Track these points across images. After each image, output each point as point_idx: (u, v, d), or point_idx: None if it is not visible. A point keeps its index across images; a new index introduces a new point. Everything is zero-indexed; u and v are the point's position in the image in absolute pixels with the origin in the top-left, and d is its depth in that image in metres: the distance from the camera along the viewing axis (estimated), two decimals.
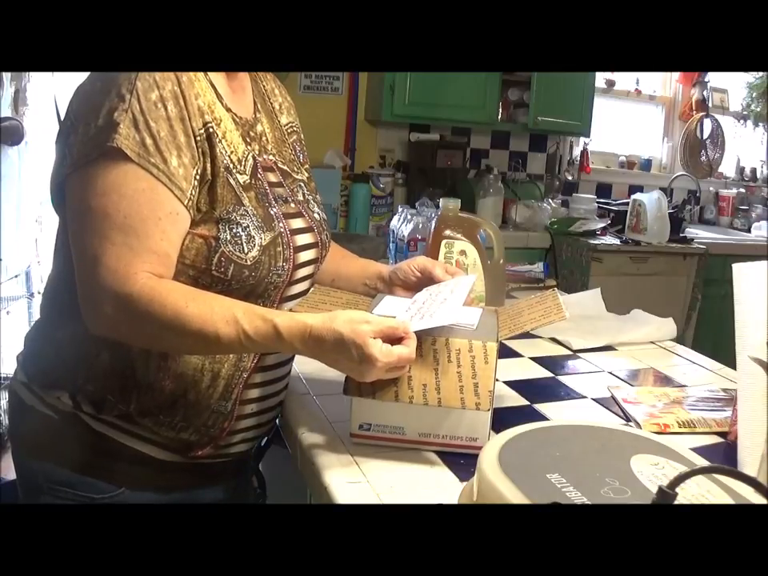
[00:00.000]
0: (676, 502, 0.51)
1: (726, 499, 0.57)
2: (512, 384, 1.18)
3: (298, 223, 0.99)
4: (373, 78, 3.27)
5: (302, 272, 1.00)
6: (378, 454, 0.90)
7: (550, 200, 3.53)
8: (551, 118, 3.35)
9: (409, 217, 1.84)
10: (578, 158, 3.83)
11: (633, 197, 3.35)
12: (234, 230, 0.89)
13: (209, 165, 0.88)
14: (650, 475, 0.60)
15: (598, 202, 3.62)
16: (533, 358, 1.33)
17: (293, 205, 1.01)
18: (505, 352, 1.32)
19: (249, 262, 0.90)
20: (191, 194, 0.86)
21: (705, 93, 4.01)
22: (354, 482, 0.83)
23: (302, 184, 1.07)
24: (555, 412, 1.08)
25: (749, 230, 3.99)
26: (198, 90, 0.89)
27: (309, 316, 0.83)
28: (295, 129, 1.12)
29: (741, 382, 0.90)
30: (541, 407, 1.10)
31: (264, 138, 1.02)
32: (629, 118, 4.05)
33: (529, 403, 1.11)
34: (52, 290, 0.99)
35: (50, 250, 0.98)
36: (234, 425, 0.98)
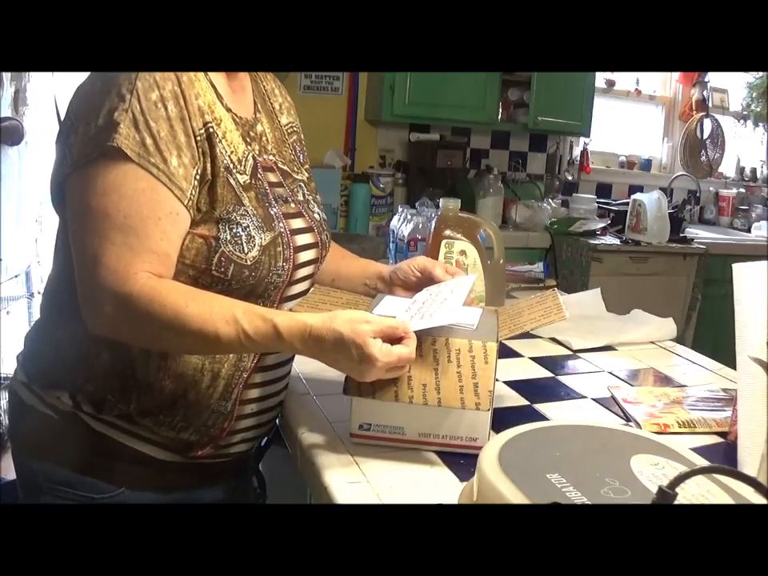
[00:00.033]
0: (676, 502, 0.51)
1: (725, 499, 0.57)
2: (512, 384, 1.18)
3: (298, 223, 0.99)
4: (373, 77, 3.27)
5: (302, 272, 1.00)
6: (377, 453, 0.90)
7: (549, 200, 3.53)
8: (551, 118, 3.35)
9: (409, 217, 1.84)
10: (578, 158, 3.83)
11: (633, 197, 3.35)
12: (234, 230, 0.89)
13: (209, 165, 0.88)
14: (650, 475, 0.60)
15: (598, 202, 3.62)
16: (533, 358, 1.33)
17: (293, 205, 1.01)
18: (505, 352, 1.32)
19: (249, 262, 0.90)
20: (191, 193, 0.86)
21: (705, 93, 4.01)
22: (354, 482, 0.83)
23: (302, 184, 1.07)
24: (555, 412, 1.08)
25: (749, 230, 3.99)
26: (198, 90, 0.89)
27: (309, 316, 0.83)
28: (295, 129, 1.12)
29: (741, 382, 0.90)
30: (541, 407, 1.10)
31: (264, 138, 1.02)
32: (629, 117, 4.05)
33: (529, 403, 1.11)
34: (52, 289, 0.99)
35: (50, 250, 0.98)
36: (234, 425, 0.98)
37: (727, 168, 4.28)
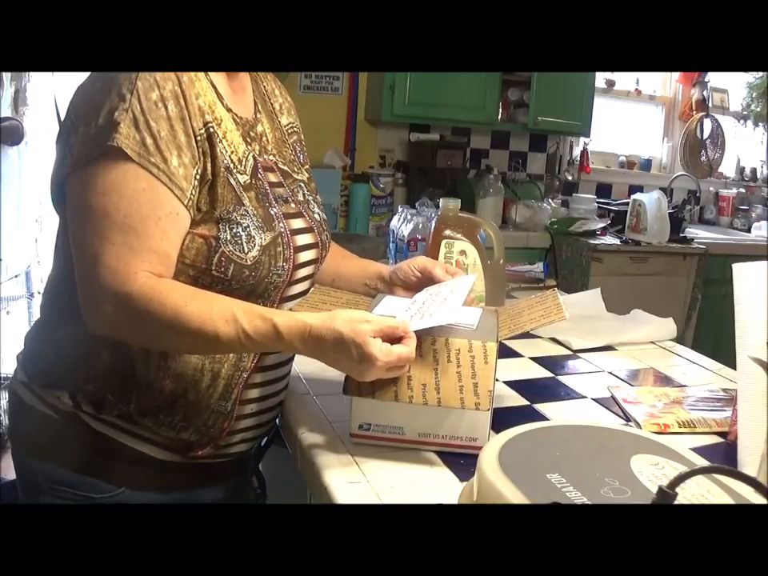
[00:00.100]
0: (676, 502, 0.51)
1: (726, 499, 0.57)
2: (512, 384, 1.18)
3: (298, 223, 0.99)
4: (373, 77, 3.27)
5: (302, 272, 1.00)
6: (377, 454, 0.90)
7: (549, 200, 3.53)
8: (551, 118, 3.35)
9: (409, 217, 1.84)
10: (578, 158, 3.83)
11: (633, 197, 3.35)
12: (234, 230, 0.89)
13: (209, 165, 0.88)
14: (650, 475, 0.60)
15: (598, 202, 3.62)
16: (533, 358, 1.33)
17: (293, 205, 1.01)
18: (505, 352, 1.32)
19: (249, 262, 0.90)
20: (191, 193, 0.86)
21: (705, 93, 4.01)
22: (354, 482, 0.83)
23: (303, 184, 1.07)
24: (555, 412, 1.08)
25: (749, 230, 3.99)
26: (198, 90, 0.89)
27: (308, 315, 0.83)
28: (295, 129, 1.13)
29: (741, 382, 0.90)
30: (541, 407, 1.10)
31: (264, 139, 1.02)
32: (629, 117, 4.05)
33: (529, 403, 1.11)
34: (52, 289, 0.99)
35: (50, 250, 0.98)
36: (234, 425, 0.98)
37: (727, 168, 4.28)
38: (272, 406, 1.03)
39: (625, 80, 3.94)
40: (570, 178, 3.81)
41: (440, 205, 1.52)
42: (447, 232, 1.49)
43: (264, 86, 1.08)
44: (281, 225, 0.95)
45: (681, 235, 3.35)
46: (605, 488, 0.57)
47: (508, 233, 3.17)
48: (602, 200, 3.71)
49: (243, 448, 1.03)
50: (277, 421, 1.08)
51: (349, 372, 0.84)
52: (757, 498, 0.54)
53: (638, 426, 1.03)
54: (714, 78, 4.06)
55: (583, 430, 0.70)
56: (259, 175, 0.96)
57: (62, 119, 0.89)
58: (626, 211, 3.34)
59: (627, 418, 1.08)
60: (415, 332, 0.84)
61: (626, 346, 1.45)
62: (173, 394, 0.92)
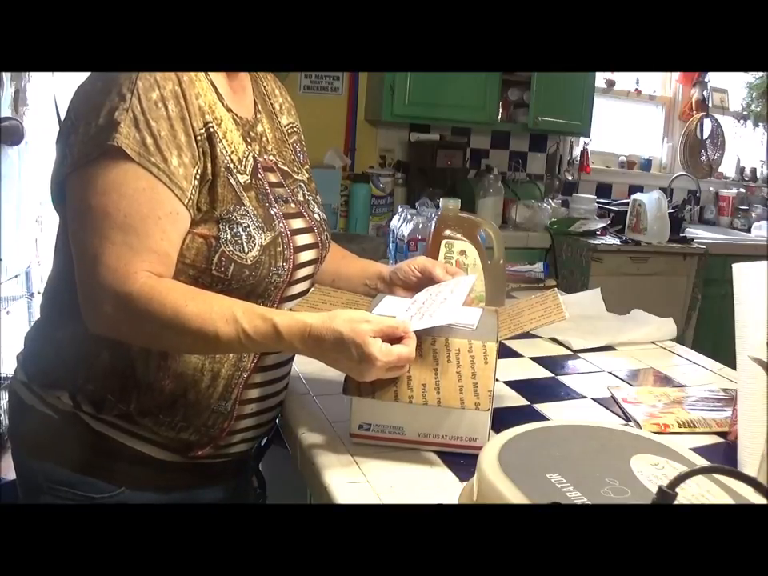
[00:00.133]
0: (676, 502, 0.51)
1: (726, 499, 0.57)
2: (512, 384, 1.18)
3: (298, 223, 0.99)
4: (373, 77, 3.27)
5: (302, 272, 1.00)
6: (377, 454, 0.90)
7: (549, 200, 3.53)
8: (551, 118, 3.35)
9: (409, 217, 1.84)
10: (578, 158, 3.83)
11: (633, 197, 3.35)
12: (235, 230, 0.89)
13: (209, 164, 0.88)
14: (650, 475, 0.60)
15: (598, 202, 3.62)
16: (533, 358, 1.33)
17: (293, 205, 1.01)
18: (505, 352, 1.32)
19: (249, 262, 0.90)
20: (191, 193, 0.86)
21: (705, 93, 4.01)
22: (354, 482, 0.83)
23: (303, 184, 1.07)
24: (555, 412, 1.08)
25: (749, 230, 3.99)
26: (198, 90, 0.89)
27: (308, 315, 0.83)
28: (295, 129, 1.13)
29: (741, 382, 0.90)
30: (541, 407, 1.10)
31: (264, 139, 1.02)
32: (629, 117, 4.05)
33: (529, 403, 1.11)
34: (52, 289, 0.99)
35: (50, 250, 0.98)
36: (234, 425, 0.98)
37: (727, 168, 4.28)
38: (272, 406, 1.03)
39: (625, 80, 3.94)
40: (570, 177, 3.81)
41: (440, 205, 1.52)
42: (447, 232, 1.49)
43: (264, 86, 1.08)
44: (281, 225, 0.95)
45: (681, 235, 3.35)
46: (605, 488, 0.57)
47: (508, 233, 3.17)
48: (601, 200, 3.71)
49: (243, 448, 1.03)
50: (277, 421, 1.08)
51: (349, 372, 0.84)
52: (757, 498, 0.54)
53: (638, 425, 1.03)
54: (714, 78, 4.06)
55: (583, 430, 0.70)
56: (259, 175, 0.96)
57: (62, 119, 0.89)
58: (626, 211, 3.34)
59: (627, 417, 1.08)
60: (415, 332, 0.84)
61: (626, 345, 1.45)
62: (173, 394, 0.92)
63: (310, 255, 1.01)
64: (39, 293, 2.55)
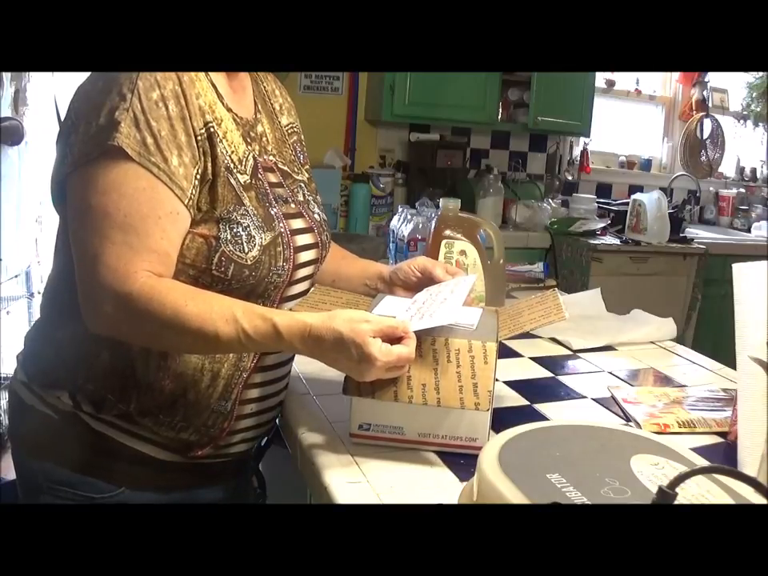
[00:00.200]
0: (676, 502, 0.51)
1: (726, 499, 0.57)
2: (512, 384, 1.18)
3: (298, 223, 0.99)
4: (373, 77, 3.27)
5: (302, 272, 1.00)
6: (377, 454, 0.90)
7: (549, 200, 3.53)
8: (551, 118, 3.35)
9: (409, 217, 1.84)
10: (578, 158, 3.83)
11: (633, 197, 3.35)
12: (235, 230, 0.89)
13: (209, 164, 0.89)
14: (650, 475, 0.60)
15: (598, 202, 3.62)
16: (533, 358, 1.33)
17: (293, 205, 1.01)
18: (505, 352, 1.32)
19: (249, 262, 0.90)
20: (191, 193, 0.86)
21: (705, 93, 4.01)
22: (354, 482, 0.83)
23: (303, 185, 1.07)
24: (555, 412, 1.08)
25: (749, 230, 3.99)
26: (198, 90, 0.89)
27: (308, 315, 0.83)
28: (295, 129, 1.13)
29: (741, 382, 0.90)
30: (541, 407, 1.10)
31: (264, 139, 1.02)
32: (629, 117, 4.05)
33: (529, 403, 1.11)
34: (52, 289, 0.99)
35: (50, 250, 0.98)
36: (234, 425, 0.98)
37: (727, 168, 4.28)
38: (272, 406, 1.03)
39: (625, 80, 3.94)
40: (570, 177, 3.81)
41: (440, 205, 1.52)
42: (447, 232, 1.49)
43: (264, 86, 1.08)
44: (281, 225, 0.95)
45: (681, 235, 3.35)
46: (605, 488, 0.57)
47: (508, 233, 3.17)
48: (601, 200, 3.71)
49: (243, 448, 1.03)
50: (277, 421, 1.08)
51: (348, 372, 0.84)
52: (757, 498, 0.54)
53: (638, 425, 1.03)
54: (714, 78, 4.06)
55: (583, 430, 0.70)
56: (259, 175, 0.96)
57: (63, 119, 0.90)
58: (626, 211, 3.34)
59: (627, 417, 1.08)
60: (415, 332, 0.84)
61: (626, 345, 1.45)
62: (173, 394, 0.92)
63: (310, 255, 1.01)
64: (39, 293, 2.55)
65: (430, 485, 0.84)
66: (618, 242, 3.25)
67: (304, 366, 1.13)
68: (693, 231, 3.68)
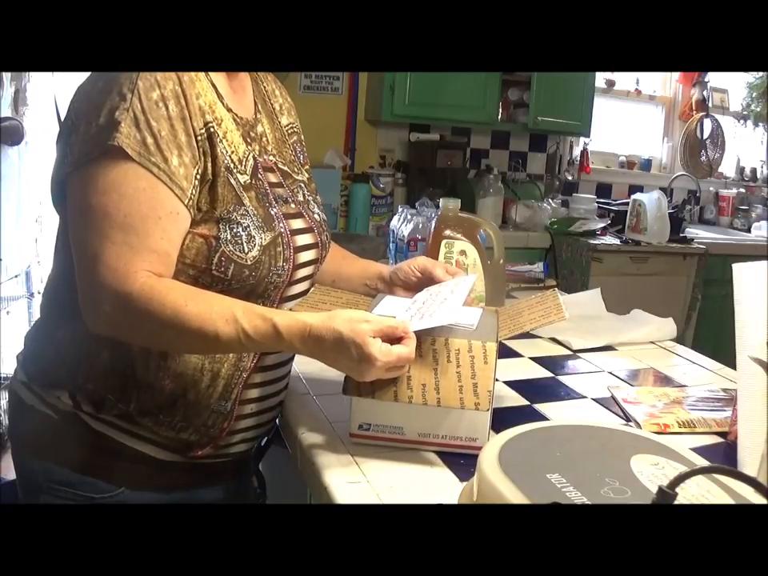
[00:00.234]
0: (676, 502, 0.51)
1: (726, 499, 0.57)
2: (512, 384, 1.18)
3: (298, 224, 0.99)
4: (373, 77, 3.27)
5: (302, 272, 1.00)
6: (377, 454, 0.90)
7: (549, 200, 3.53)
8: (551, 118, 3.35)
9: (409, 217, 1.84)
10: (578, 158, 3.83)
11: (633, 197, 3.35)
12: (235, 230, 0.89)
13: (209, 164, 0.89)
14: (649, 475, 0.60)
15: (598, 202, 3.62)
16: (533, 358, 1.33)
17: (293, 205, 1.01)
18: (505, 352, 1.32)
19: (249, 262, 0.90)
20: (191, 193, 0.86)
21: (705, 93, 4.01)
22: (354, 482, 0.83)
23: (303, 185, 1.07)
24: (555, 412, 1.08)
25: (749, 230, 3.99)
26: (198, 90, 0.89)
27: (308, 315, 0.83)
28: (295, 130, 1.13)
29: (741, 382, 0.90)
30: (541, 407, 1.10)
31: (264, 139, 1.02)
32: (629, 117, 4.05)
33: (529, 403, 1.11)
34: (52, 289, 0.99)
35: (50, 250, 0.98)
36: (234, 425, 0.98)
37: (727, 168, 4.28)
38: (272, 406, 1.03)
39: (625, 80, 3.94)
40: (570, 177, 3.81)
41: (440, 205, 1.52)
42: (447, 232, 1.49)
43: (264, 87, 1.08)
44: (281, 225, 0.95)
45: (681, 235, 3.35)
46: (605, 488, 0.57)
47: (508, 233, 3.17)
48: (601, 200, 3.71)
49: (243, 448, 1.03)
50: (277, 421, 1.08)
51: (348, 372, 0.84)
52: (757, 498, 0.54)
53: (638, 425, 1.03)
54: (714, 78, 4.06)
55: (583, 430, 0.70)
56: (259, 175, 0.96)
57: (63, 119, 0.90)
58: (626, 211, 3.34)
59: (627, 417, 1.08)
60: (415, 332, 0.84)
61: (626, 345, 1.45)
62: (173, 394, 0.92)
63: (310, 255, 1.01)
64: (39, 293, 2.55)
65: (430, 485, 0.84)
66: (618, 242, 3.25)
67: (304, 366, 1.13)
68: (693, 231, 3.68)
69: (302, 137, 1.14)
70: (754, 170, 4.32)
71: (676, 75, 4.08)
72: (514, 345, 1.38)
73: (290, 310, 0.98)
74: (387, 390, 0.85)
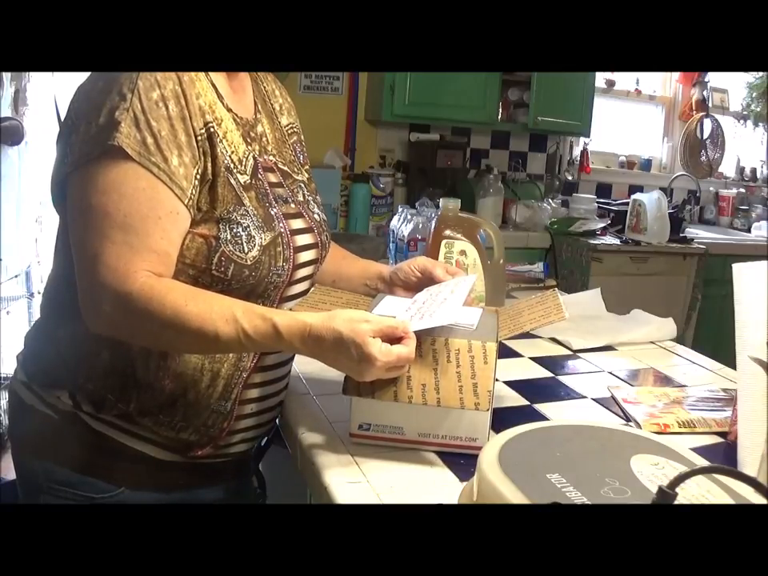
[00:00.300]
0: (676, 502, 0.51)
1: (726, 499, 0.57)
2: (512, 384, 1.18)
3: (298, 224, 0.99)
4: (373, 77, 3.27)
5: (302, 272, 1.00)
6: (377, 453, 0.90)
7: (549, 200, 3.52)
8: (551, 118, 3.35)
9: (409, 217, 1.84)
10: (578, 158, 3.83)
11: (633, 197, 3.35)
12: (235, 230, 0.89)
13: (209, 164, 0.89)
14: (649, 475, 0.60)
15: (598, 202, 3.62)
16: (533, 358, 1.33)
17: (293, 205, 1.01)
18: (505, 352, 1.32)
19: (249, 262, 0.90)
20: (191, 193, 0.86)
21: (705, 93, 4.01)
22: (354, 482, 0.83)
23: (302, 185, 1.07)
24: (555, 412, 1.08)
25: (749, 230, 3.99)
26: (199, 90, 0.89)
27: (308, 315, 0.83)
28: (295, 130, 1.13)
29: (741, 382, 0.90)
30: (541, 407, 1.10)
31: (264, 139, 1.02)
32: (629, 117, 4.05)
33: (529, 403, 1.11)
34: (52, 289, 0.99)
35: (50, 250, 0.98)
36: (234, 425, 0.98)
37: (727, 168, 4.28)
38: (272, 406, 1.03)
39: (625, 80, 3.94)
40: (570, 177, 3.80)
41: (440, 205, 1.52)
42: (447, 232, 1.49)
43: (264, 87, 1.08)
44: (281, 225, 0.95)
45: (681, 235, 3.35)
46: (605, 488, 0.57)
47: (508, 233, 3.17)
48: (601, 200, 3.71)
49: (243, 448, 1.03)
50: (277, 421, 1.08)
51: (348, 372, 0.84)
52: (757, 498, 0.54)
53: (638, 425, 1.03)
54: (714, 78, 4.06)
55: (583, 430, 0.70)
56: (259, 175, 0.96)
57: (63, 119, 0.90)
58: (626, 211, 3.34)
59: (627, 417, 1.08)
60: (415, 332, 0.84)
61: (626, 345, 1.45)
62: (173, 394, 0.92)
63: (310, 255, 1.01)
64: (39, 293, 2.55)
65: (430, 485, 0.84)
66: (618, 242, 3.25)
67: (304, 366, 1.13)
68: (693, 231, 3.68)
69: (302, 137, 1.14)
70: (753, 170, 4.32)
71: (676, 75, 4.08)
72: (514, 345, 1.38)
73: (290, 309, 0.98)
74: (387, 390, 0.85)
